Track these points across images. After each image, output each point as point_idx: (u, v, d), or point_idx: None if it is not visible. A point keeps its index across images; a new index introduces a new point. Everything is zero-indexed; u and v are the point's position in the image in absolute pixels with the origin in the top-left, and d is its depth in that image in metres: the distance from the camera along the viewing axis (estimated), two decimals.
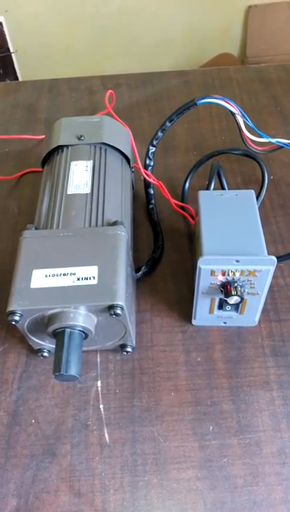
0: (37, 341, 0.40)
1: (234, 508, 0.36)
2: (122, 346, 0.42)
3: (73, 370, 0.34)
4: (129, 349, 0.42)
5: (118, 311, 0.35)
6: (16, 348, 0.44)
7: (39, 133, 0.64)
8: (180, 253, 0.51)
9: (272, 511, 0.35)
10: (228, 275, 0.38)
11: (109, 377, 0.42)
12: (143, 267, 0.48)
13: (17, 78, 1.64)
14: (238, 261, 0.37)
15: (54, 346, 0.38)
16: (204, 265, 0.37)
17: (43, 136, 0.62)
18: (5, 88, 0.74)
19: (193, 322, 0.45)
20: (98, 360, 0.43)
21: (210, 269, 0.38)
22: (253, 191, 0.43)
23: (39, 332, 0.39)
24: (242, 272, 0.37)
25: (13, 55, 1.56)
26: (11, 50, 1.55)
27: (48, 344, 0.41)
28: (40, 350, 0.42)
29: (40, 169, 0.50)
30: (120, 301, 0.35)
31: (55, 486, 0.37)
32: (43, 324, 0.37)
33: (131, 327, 0.40)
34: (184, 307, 0.46)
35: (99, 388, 0.42)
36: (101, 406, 0.41)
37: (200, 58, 1.77)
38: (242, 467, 0.37)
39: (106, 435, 0.39)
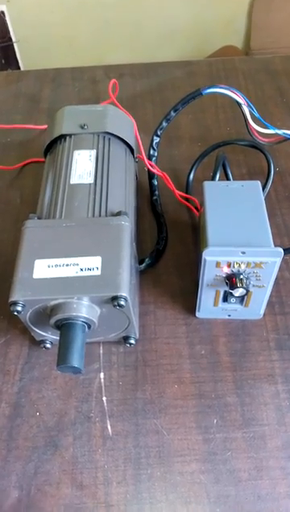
0: (39, 332, 0.40)
1: (237, 502, 0.35)
2: (126, 338, 0.42)
3: (76, 362, 0.34)
4: (132, 341, 0.42)
5: (122, 303, 0.34)
6: (18, 340, 0.44)
7: (41, 123, 0.63)
8: (184, 245, 0.50)
9: (276, 505, 0.35)
10: (233, 267, 0.37)
11: (112, 369, 0.42)
12: (147, 259, 0.48)
13: (19, 68, 1.62)
14: (243, 252, 0.36)
15: (56, 337, 0.38)
16: (209, 256, 0.37)
17: (46, 126, 0.61)
18: (7, 78, 0.73)
19: (197, 314, 0.44)
20: (101, 352, 0.43)
21: (215, 260, 0.37)
22: (259, 182, 0.42)
23: (41, 323, 0.38)
24: (247, 264, 0.37)
25: (15, 44, 1.55)
26: (13, 39, 1.54)
27: (51, 336, 0.41)
28: (43, 341, 0.41)
29: (43, 159, 0.49)
30: (124, 292, 0.34)
31: (57, 478, 0.37)
32: (45, 315, 0.37)
33: (135, 319, 0.39)
34: (187, 300, 0.46)
35: (102, 380, 0.41)
36: (104, 399, 0.40)
37: (203, 50, 1.75)
38: (247, 461, 0.37)
39: (109, 427, 0.39)
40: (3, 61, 1.52)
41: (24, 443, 0.38)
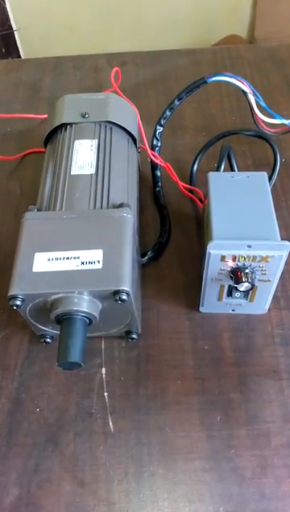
0: (40, 327, 0.39)
1: (241, 500, 0.35)
2: (128, 333, 0.41)
3: (77, 357, 0.33)
4: (134, 336, 0.41)
5: (124, 297, 0.33)
6: (18, 334, 0.43)
7: (42, 112, 0.62)
8: (188, 238, 0.49)
9: (281, 504, 0.34)
10: (238, 261, 0.36)
11: (113, 364, 0.41)
12: (149, 252, 0.47)
13: (20, 57, 1.59)
14: (249, 246, 0.35)
15: (57, 332, 0.37)
16: (213, 250, 0.36)
17: (46, 115, 0.59)
18: (7, 66, 0.71)
19: (201, 309, 0.43)
20: (103, 346, 0.42)
21: (220, 254, 0.36)
22: (265, 173, 0.41)
23: (41, 317, 0.37)
24: (253, 258, 0.36)
25: (15, 33, 1.52)
26: (14, 28, 1.50)
27: (51, 330, 0.40)
28: (43, 336, 0.41)
29: (43, 149, 0.48)
30: (126, 286, 0.33)
31: (57, 476, 0.36)
32: (45, 310, 0.36)
33: (137, 313, 0.38)
34: (191, 294, 0.45)
35: (103, 375, 0.40)
36: (106, 394, 0.39)
37: (207, 40, 1.72)
38: (251, 458, 0.36)
39: (111, 423, 0.38)
40: (3, 50, 1.49)
41: (24, 439, 0.38)
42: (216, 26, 1.75)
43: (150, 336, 0.42)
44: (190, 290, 0.45)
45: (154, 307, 0.44)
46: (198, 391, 0.39)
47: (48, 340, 0.41)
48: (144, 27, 1.74)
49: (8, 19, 1.50)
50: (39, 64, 0.71)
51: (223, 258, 0.36)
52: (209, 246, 0.36)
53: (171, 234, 0.49)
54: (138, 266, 0.42)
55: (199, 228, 0.50)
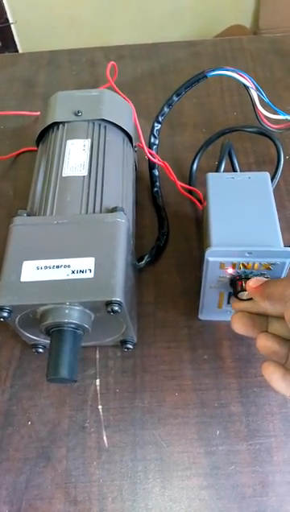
0: (30, 337, 0.37)
1: None
2: (123, 342, 0.39)
3: (68, 374, 0.31)
4: (129, 346, 0.39)
5: (116, 308, 0.31)
6: (9, 343, 0.42)
7: (36, 109, 0.59)
8: (187, 241, 0.47)
9: None
10: (239, 268, 0.34)
11: (108, 375, 0.39)
12: (147, 256, 0.45)
13: (17, 52, 1.57)
14: (250, 253, 0.33)
15: (49, 342, 0.35)
16: (212, 257, 0.34)
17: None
18: (1, 61, 0.69)
19: (200, 316, 0.41)
20: (97, 356, 0.40)
21: (219, 261, 0.34)
22: (268, 173, 0.39)
23: (32, 327, 0.36)
24: (254, 265, 0.34)
25: (13, 26, 1.48)
26: (10, 20, 1.47)
27: (43, 340, 0.38)
28: (35, 346, 0.39)
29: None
30: (118, 297, 0.31)
31: (49, 493, 0.35)
32: (35, 320, 0.34)
33: (132, 322, 0.37)
34: (190, 300, 0.43)
35: (98, 387, 0.39)
36: (100, 407, 0.38)
37: (210, 30, 1.69)
38: (251, 475, 0.35)
39: (105, 438, 0.37)
40: (0, 44, 1.46)
41: (15, 454, 0.36)
42: (219, 16, 1.71)
43: (146, 345, 0.41)
44: (189, 295, 0.43)
45: (151, 314, 0.42)
46: (197, 404, 0.38)
47: (40, 350, 0.39)
48: (146, 18, 1.71)
49: (4, 12, 1.46)
50: (33, 58, 0.68)
51: (222, 266, 0.34)
52: (207, 253, 0.34)
53: (170, 237, 0.47)
54: (134, 271, 0.40)
55: (199, 230, 0.48)
